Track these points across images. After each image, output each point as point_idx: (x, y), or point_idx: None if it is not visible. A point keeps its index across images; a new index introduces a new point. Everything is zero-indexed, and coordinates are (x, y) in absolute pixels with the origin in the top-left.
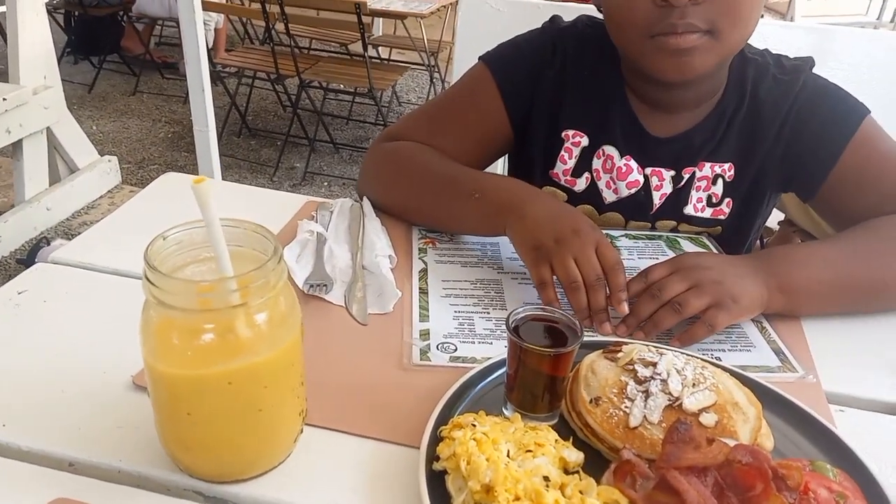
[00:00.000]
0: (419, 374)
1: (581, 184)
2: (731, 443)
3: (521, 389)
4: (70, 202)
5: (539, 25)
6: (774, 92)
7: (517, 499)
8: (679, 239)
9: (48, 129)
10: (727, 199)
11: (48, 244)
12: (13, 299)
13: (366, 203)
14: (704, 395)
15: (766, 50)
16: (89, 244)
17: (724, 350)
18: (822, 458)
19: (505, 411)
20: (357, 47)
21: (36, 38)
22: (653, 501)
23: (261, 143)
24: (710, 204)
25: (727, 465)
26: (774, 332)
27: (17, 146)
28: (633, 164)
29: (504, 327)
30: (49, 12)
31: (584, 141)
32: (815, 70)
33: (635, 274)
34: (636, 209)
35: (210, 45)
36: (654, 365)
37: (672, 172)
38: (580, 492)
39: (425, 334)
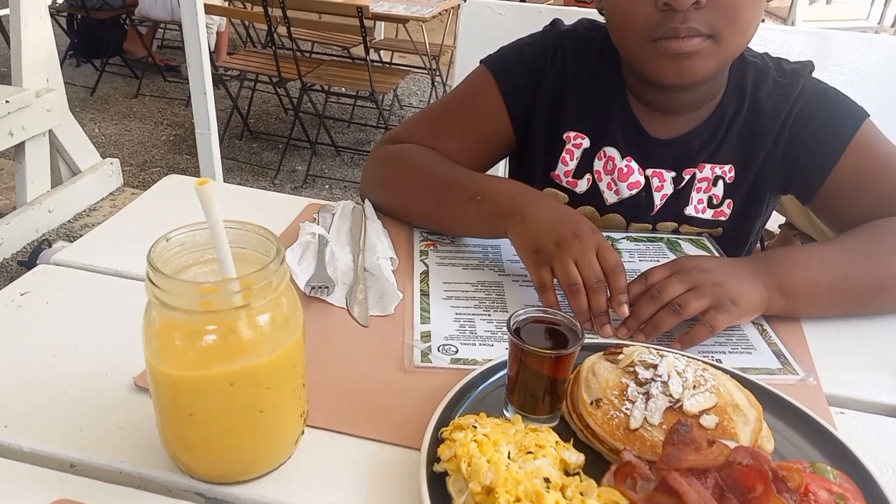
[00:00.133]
0: (420, 375)
1: (582, 185)
2: (732, 444)
3: (522, 391)
4: (72, 204)
5: (540, 29)
6: (774, 95)
7: (518, 500)
8: (680, 241)
9: (50, 131)
10: (728, 201)
11: (50, 246)
12: (15, 301)
13: (367, 205)
14: (705, 397)
15: (766, 53)
16: (91, 246)
17: (724, 352)
18: (823, 459)
19: (506, 413)
20: (359, 51)
21: (39, 40)
22: (653, 503)
23: (262, 146)
24: (710, 205)
25: (728, 467)
26: (775, 334)
27: (19, 148)
28: (634, 165)
29: (505, 329)
30: (52, 15)
31: (586, 142)
32: (815, 74)
33: (636, 276)
34: (637, 210)
35: (212, 49)
36: (655, 367)
37: (673, 173)
38: (581, 493)
39: (426, 336)
